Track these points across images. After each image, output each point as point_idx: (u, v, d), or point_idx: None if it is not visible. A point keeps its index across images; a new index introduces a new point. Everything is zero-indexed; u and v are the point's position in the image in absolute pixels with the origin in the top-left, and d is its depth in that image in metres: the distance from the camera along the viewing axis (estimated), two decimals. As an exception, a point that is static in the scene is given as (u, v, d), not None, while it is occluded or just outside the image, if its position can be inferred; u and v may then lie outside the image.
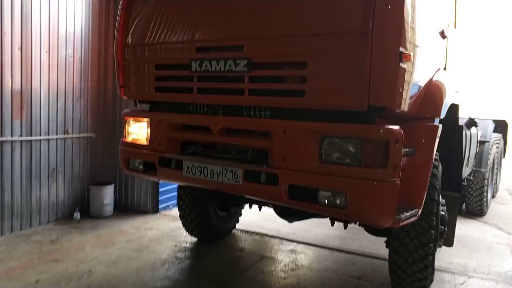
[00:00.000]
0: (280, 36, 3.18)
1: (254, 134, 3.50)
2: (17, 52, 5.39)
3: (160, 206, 6.92)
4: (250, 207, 5.37)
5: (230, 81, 3.47)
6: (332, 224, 4.58)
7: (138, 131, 4.10)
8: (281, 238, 5.90)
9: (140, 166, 4.06)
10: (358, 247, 5.68)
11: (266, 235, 6.04)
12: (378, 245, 5.59)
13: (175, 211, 6.95)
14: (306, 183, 3.08)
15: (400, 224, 3.04)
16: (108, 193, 6.60)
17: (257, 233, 6.10)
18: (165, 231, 6.01)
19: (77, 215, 6.38)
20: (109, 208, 6.64)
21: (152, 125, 3.93)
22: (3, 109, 5.29)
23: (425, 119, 3.47)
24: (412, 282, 3.84)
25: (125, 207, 7.00)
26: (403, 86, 2.86)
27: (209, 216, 5.34)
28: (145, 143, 4.00)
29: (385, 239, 4.20)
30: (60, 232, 5.75)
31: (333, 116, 3.02)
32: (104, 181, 6.82)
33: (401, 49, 2.76)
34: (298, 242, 5.76)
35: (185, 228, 5.58)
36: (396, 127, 2.86)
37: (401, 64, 2.78)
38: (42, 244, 5.27)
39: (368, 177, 2.83)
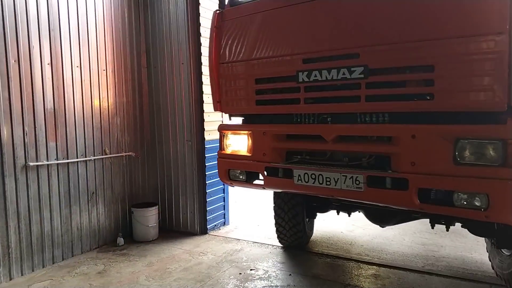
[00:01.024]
0: (402, 41, 3.15)
1: (370, 140, 3.48)
2: (47, 68, 4.95)
3: (208, 226, 6.33)
4: (338, 213, 5.16)
5: (343, 89, 3.44)
6: (433, 227, 4.40)
7: (238, 143, 4.20)
8: (357, 261, 5.19)
9: (242, 176, 4.20)
10: (448, 268, 4.95)
11: (337, 257, 5.35)
12: (470, 264, 5.06)
13: (224, 231, 6.44)
14: (440, 187, 3.07)
15: None
16: (152, 215, 6.07)
17: (327, 255, 5.41)
18: (222, 255, 5.39)
19: (120, 240, 5.86)
20: (154, 231, 6.10)
21: (255, 137, 4.01)
22: (36, 131, 4.83)
23: None
24: None
25: (170, 229, 6.45)
26: None
27: (304, 223, 5.39)
28: (247, 154, 4.09)
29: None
30: (106, 260, 5.22)
31: (455, 117, 3.02)
32: (147, 203, 6.30)
33: None
34: (379, 265, 5.03)
35: (278, 235, 5.52)
36: None
37: None
38: (90, 276, 4.74)
39: None
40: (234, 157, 4.21)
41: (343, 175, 3.42)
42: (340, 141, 3.54)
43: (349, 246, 5.78)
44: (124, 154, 6.07)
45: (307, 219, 5.53)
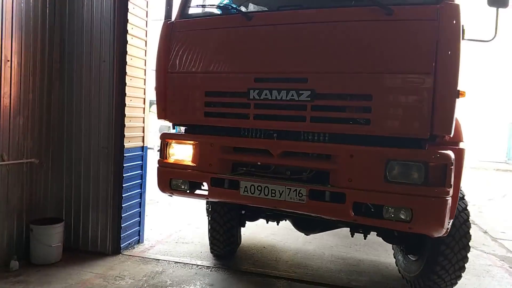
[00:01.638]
0: (347, 71, 3.52)
1: (312, 157, 3.74)
2: None
3: (121, 245, 5.66)
4: (267, 222, 5.29)
5: (290, 109, 3.68)
6: (352, 235, 4.93)
7: (182, 152, 4.18)
8: (287, 279, 5.04)
9: (184, 186, 4.16)
10: (372, 282, 5.16)
11: (266, 275, 5.15)
12: (389, 277, 5.35)
13: (140, 250, 5.88)
14: (373, 201, 3.43)
15: (446, 233, 3.50)
16: (57, 233, 5.22)
17: (256, 273, 5.19)
18: (143, 279, 4.81)
19: (14, 264, 4.90)
20: (57, 252, 5.25)
21: (202, 148, 4.05)
22: None
23: (452, 143, 3.80)
24: (450, 280, 4.36)
25: (76, 248, 5.64)
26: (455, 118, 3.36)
27: (237, 229, 5.56)
28: (191, 164, 4.09)
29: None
30: (-3, 291, 4.32)
31: (387, 140, 3.42)
32: (49, 218, 5.43)
33: (458, 87, 3.24)
34: (309, 283, 4.98)
35: (212, 242, 5.54)
36: (451, 152, 3.32)
37: (457, 100, 3.27)
38: (-21, 312, 3.85)
39: (433, 194, 3.23)
40: (178, 166, 4.17)
41: (287, 188, 3.64)
42: (285, 156, 3.76)
43: (275, 263, 5.66)
44: (25, 160, 5.16)
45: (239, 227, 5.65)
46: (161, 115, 4.30)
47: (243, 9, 4.10)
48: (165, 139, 4.27)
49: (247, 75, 3.83)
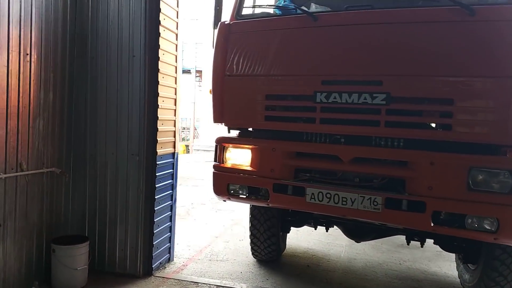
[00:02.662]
0: (425, 75, 3.35)
1: (386, 163, 3.58)
2: None
3: (152, 266, 4.98)
4: (315, 228, 5.14)
5: (362, 113, 3.53)
6: (408, 243, 4.78)
7: (240, 157, 4.07)
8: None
9: (241, 191, 4.08)
10: None
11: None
12: None
13: (172, 270, 5.22)
14: (455, 210, 3.30)
15: None
16: (82, 254, 4.52)
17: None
18: (187, 307, 4.13)
19: (35, 290, 4.23)
20: (83, 276, 4.55)
21: (263, 152, 3.92)
22: None
23: None
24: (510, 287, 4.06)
25: (101, 270, 4.93)
26: None
27: (279, 236, 5.35)
28: (250, 169, 3.99)
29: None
30: (18, 325, 3.62)
31: (465, 147, 3.28)
32: (71, 236, 4.73)
33: None
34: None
35: (253, 248, 5.46)
36: None
37: None
38: None
39: None
40: (236, 171, 4.08)
41: (361, 196, 3.50)
42: (356, 162, 3.61)
43: (327, 285, 5.01)
44: (45, 170, 4.47)
45: (281, 233, 5.47)
46: (218, 119, 4.19)
47: (305, 9, 3.94)
48: (222, 143, 4.15)
49: (313, 78, 3.69)
